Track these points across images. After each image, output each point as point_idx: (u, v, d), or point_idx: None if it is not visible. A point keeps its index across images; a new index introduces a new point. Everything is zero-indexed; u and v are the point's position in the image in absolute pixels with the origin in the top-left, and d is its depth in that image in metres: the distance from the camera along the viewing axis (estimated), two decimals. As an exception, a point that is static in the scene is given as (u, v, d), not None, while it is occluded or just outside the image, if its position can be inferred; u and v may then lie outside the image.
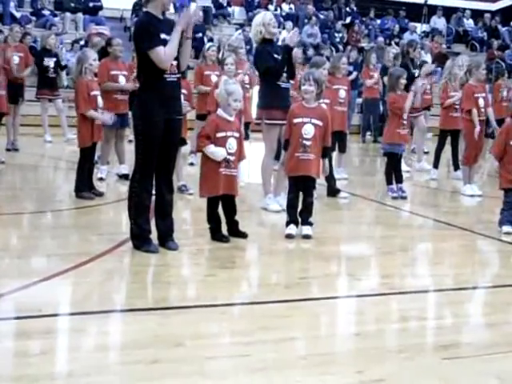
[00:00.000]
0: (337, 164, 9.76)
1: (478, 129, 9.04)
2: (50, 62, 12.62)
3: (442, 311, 4.86)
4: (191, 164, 10.46)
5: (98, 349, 3.76)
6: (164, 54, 5.47)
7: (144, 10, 5.72)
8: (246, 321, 4.42)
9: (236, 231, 6.22)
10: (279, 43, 20.82)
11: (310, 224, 6.45)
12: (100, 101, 7.83)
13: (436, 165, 10.72)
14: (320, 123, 6.40)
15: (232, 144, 6.08)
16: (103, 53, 8.97)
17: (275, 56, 7.28)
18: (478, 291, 5.47)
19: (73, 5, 19.07)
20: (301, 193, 6.50)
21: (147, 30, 5.55)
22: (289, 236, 6.34)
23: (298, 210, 6.47)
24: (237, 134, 6.15)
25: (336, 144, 9.63)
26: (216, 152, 6.00)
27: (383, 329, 4.35)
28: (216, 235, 6.11)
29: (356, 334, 4.21)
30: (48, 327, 4.00)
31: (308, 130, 6.39)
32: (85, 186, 7.75)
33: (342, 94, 9.46)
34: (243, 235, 6.22)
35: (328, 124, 6.49)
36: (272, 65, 7.21)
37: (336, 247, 6.40)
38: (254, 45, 7.82)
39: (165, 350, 3.73)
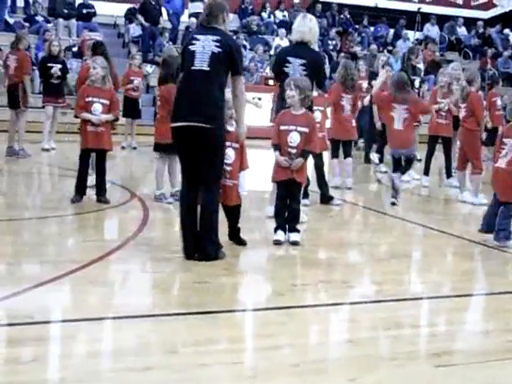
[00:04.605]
0: (334, 172, 9.83)
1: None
2: (54, 69, 12.32)
3: (435, 318, 4.86)
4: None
5: (90, 356, 3.74)
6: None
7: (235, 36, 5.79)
8: (239, 328, 4.43)
9: (236, 238, 6.24)
10: (272, 51, 20.71)
11: (297, 231, 6.42)
12: (97, 107, 7.77)
13: (426, 172, 10.67)
14: (306, 130, 6.37)
15: (229, 155, 6.00)
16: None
17: None
18: (471, 299, 5.47)
19: (66, 11, 19.06)
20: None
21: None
22: (276, 242, 6.32)
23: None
24: (235, 145, 6.03)
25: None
26: None
27: (376, 336, 4.35)
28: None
29: (349, 342, 4.20)
30: (40, 334, 3.99)
31: (294, 138, 6.36)
32: (77, 189, 7.72)
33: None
34: (242, 242, 6.22)
35: (313, 130, 6.44)
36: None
37: (329, 254, 6.40)
38: (315, 47, 7.47)
39: (157, 357, 3.72)
